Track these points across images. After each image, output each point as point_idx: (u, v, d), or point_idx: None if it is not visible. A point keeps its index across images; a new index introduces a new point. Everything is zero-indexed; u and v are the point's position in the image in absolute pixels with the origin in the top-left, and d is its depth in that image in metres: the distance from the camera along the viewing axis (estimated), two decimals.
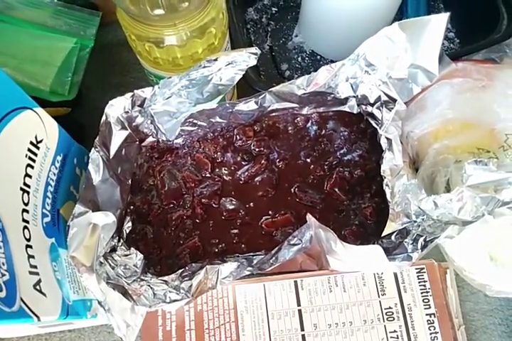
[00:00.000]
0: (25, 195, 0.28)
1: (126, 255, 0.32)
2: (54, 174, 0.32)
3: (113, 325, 0.29)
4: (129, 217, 0.35)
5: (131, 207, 0.37)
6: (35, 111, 0.30)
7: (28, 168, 0.28)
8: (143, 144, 0.37)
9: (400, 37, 0.33)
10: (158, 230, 0.37)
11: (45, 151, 0.31)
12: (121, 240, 0.33)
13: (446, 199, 0.28)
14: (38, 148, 0.30)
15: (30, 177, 0.28)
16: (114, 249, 0.32)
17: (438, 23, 0.32)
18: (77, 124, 0.40)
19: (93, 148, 0.32)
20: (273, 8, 0.51)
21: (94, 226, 0.29)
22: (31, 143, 0.29)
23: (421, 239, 0.30)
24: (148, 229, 0.37)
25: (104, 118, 0.33)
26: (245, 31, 0.48)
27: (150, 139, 0.37)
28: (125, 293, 0.29)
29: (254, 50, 0.33)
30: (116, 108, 0.33)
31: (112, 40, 0.47)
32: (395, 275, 0.34)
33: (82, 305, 0.32)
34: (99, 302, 0.29)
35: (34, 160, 0.29)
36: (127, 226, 0.35)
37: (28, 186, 0.28)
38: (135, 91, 0.33)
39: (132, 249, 0.32)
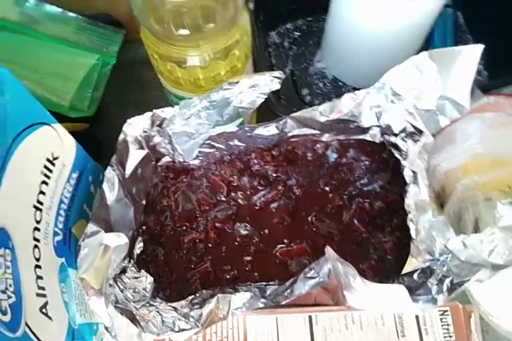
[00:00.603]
0: (38, 212, 0.27)
1: (136, 277, 0.31)
2: (68, 191, 0.31)
3: None
4: (141, 238, 0.34)
5: (144, 227, 0.36)
6: (53, 127, 0.29)
7: (43, 185, 0.28)
8: (159, 164, 0.37)
9: (428, 67, 0.32)
10: (170, 252, 0.36)
11: (61, 168, 0.30)
12: (132, 261, 0.32)
13: (476, 240, 0.27)
14: (53, 164, 0.29)
15: (44, 194, 0.28)
16: (124, 271, 0.31)
17: (470, 54, 0.31)
18: (95, 141, 0.39)
19: (109, 167, 0.31)
20: (295, 33, 0.51)
21: (105, 247, 0.27)
22: (47, 159, 0.28)
23: (447, 281, 0.29)
24: (160, 251, 0.36)
25: (121, 136, 0.32)
26: (267, 54, 0.48)
27: (166, 159, 0.37)
28: (133, 319, 0.28)
29: (278, 74, 0.32)
30: (134, 127, 0.32)
31: (134, 58, 0.47)
32: (417, 316, 0.32)
33: (88, 329, 0.30)
34: (106, 328, 0.27)
35: (49, 177, 0.28)
36: (138, 246, 0.34)
37: (42, 203, 0.27)
38: (154, 111, 0.32)
39: (142, 271, 0.31)
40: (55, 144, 0.29)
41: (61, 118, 0.31)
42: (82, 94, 0.38)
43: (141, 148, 0.33)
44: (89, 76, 0.38)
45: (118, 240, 0.28)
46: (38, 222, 0.26)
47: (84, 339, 0.29)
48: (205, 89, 0.35)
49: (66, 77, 0.38)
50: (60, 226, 0.29)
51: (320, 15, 0.51)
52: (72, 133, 0.32)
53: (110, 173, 0.31)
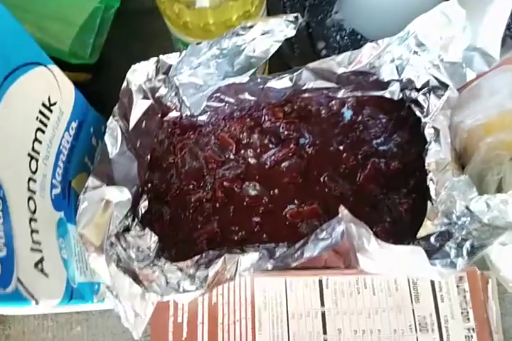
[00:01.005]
0: (34, 162, 0.25)
1: (139, 236, 0.30)
2: (67, 142, 0.29)
3: (120, 313, 0.27)
4: (146, 196, 0.33)
5: (149, 185, 0.34)
6: (49, 69, 0.27)
7: (39, 133, 0.26)
8: (165, 119, 0.35)
9: (458, 14, 0.29)
10: (176, 212, 0.35)
11: (59, 115, 0.28)
12: (136, 219, 0.31)
13: (500, 201, 0.26)
14: (50, 111, 0.27)
15: (40, 142, 0.26)
16: (127, 229, 0.30)
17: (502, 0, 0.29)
18: (98, 93, 0.37)
19: (111, 117, 0.29)
20: None
21: (107, 202, 0.26)
22: (43, 104, 0.26)
23: (467, 244, 0.27)
24: (165, 210, 0.35)
25: (125, 84, 0.30)
26: (281, 4, 0.45)
27: (173, 114, 0.35)
28: (136, 279, 0.27)
29: (294, 17, 0.29)
30: (139, 74, 0.30)
31: (141, 6, 0.44)
32: (432, 281, 0.31)
33: (88, 288, 0.29)
34: (107, 287, 0.26)
35: (46, 124, 0.26)
36: (143, 205, 0.32)
37: (37, 152, 0.25)
38: (160, 56, 0.30)
39: (147, 229, 0.30)
40: (52, 88, 0.27)
41: (61, 67, 0.28)
42: (83, 39, 0.35)
43: (146, 98, 0.31)
44: (91, 20, 0.36)
45: (120, 195, 0.26)
46: (33, 173, 0.25)
47: (83, 298, 0.28)
48: (216, 35, 0.32)
49: (66, 20, 0.35)
50: (59, 178, 0.27)
51: None
52: (74, 84, 0.30)
53: (113, 124, 0.29)
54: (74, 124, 0.30)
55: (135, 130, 0.30)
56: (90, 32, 0.35)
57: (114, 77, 0.32)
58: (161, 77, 0.31)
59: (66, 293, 0.26)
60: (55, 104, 0.27)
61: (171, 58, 0.30)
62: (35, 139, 0.25)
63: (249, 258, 0.28)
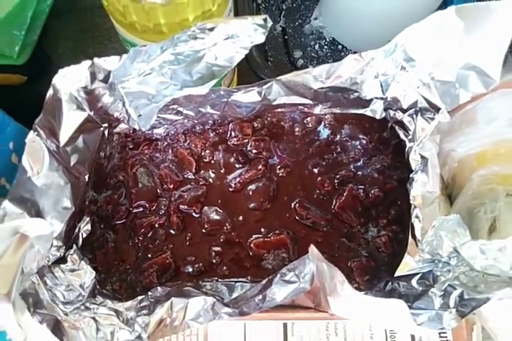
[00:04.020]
0: None
1: (73, 270, 0.26)
2: None
3: None
4: (88, 218, 0.30)
5: (93, 206, 0.31)
6: None
7: None
8: (115, 130, 0.32)
9: (455, 26, 0.26)
10: (123, 238, 0.32)
11: None
12: (75, 247, 0.28)
13: (498, 248, 0.23)
14: None
15: None
16: (61, 260, 0.26)
17: (509, 13, 0.26)
18: (38, 100, 0.33)
19: (32, 133, 0.25)
20: None
21: (22, 236, 0.21)
22: None
23: (455, 293, 0.24)
24: (110, 236, 0.32)
25: (50, 93, 0.26)
26: (255, 6, 0.42)
27: (123, 125, 0.31)
28: (57, 328, 0.23)
29: (263, 20, 0.25)
30: (69, 81, 0.26)
31: (93, 2, 0.40)
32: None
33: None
34: None
35: None
36: (85, 229, 0.29)
37: None
38: (95, 59, 0.26)
39: (83, 263, 0.27)
40: None
41: None
42: (8, 35, 0.30)
43: (81, 109, 0.27)
44: (20, 12, 0.31)
45: (39, 228, 0.22)
46: None
47: None
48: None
49: None
50: None
51: None
52: (4, 88, 0.25)
53: (34, 141, 0.25)
54: None
55: (68, 147, 0.27)
56: (19, 27, 0.30)
57: None
58: (99, 84, 0.27)
59: None
60: None
61: (108, 62, 0.26)
62: None
63: (200, 304, 0.25)
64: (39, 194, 0.25)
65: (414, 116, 0.29)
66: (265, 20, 0.25)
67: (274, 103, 0.31)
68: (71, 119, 0.27)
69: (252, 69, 0.36)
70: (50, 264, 0.25)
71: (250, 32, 0.25)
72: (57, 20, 0.37)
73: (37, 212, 0.24)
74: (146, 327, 0.24)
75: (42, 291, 0.24)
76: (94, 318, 0.24)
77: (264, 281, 0.26)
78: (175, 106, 0.30)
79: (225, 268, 0.31)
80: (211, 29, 0.25)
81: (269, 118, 0.34)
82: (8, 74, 0.29)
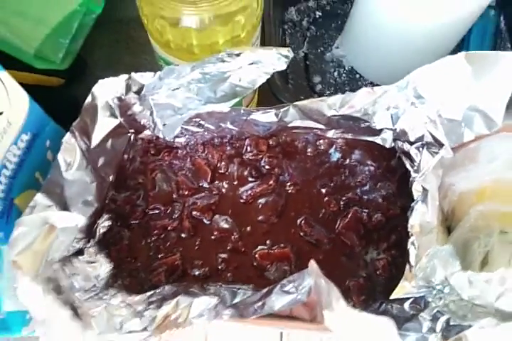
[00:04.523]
0: None
1: (90, 262, 0.27)
2: (14, 156, 0.26)
3: None
4: (108, 216, 0.31)
5: (112, 204, 0.32)
6: None
7: None
8: (140, 136, 0.33)
9: (463, 70, 0.28)
10: (137, 237, 0.33)
11: (5, 127, 0.25)
12: (92, 241, 0.29)
13: (485, 280, 0.24)
14: None
15: None
16: (79, 253, 0.27)
17: None
18: (72, 101, 0.35)
19: (69, 133, 0.26)
20: (317, 12, 0.47)
21: (50, 227, 0.23)
22: None
23: (442, 319, 0.25)
24: (126, 234, 0.33)
25: (89, 99, 0.28)
26: (281, 32, 0.44)
27: (148, 132, 0.33)
28: (73, 313, 0.24)
29: (287, 51, 0.28)
30: (107, 90, 0.28)
31: (131, 15, 0.41)
32: None
33: (18, 319, 0.26)
34: (38, 321, 0.23)
35: None
36: (103, 225, 0.30)
37: None
38: (132, 74, 0.28)
39: (99, 256, 0.28)
40: None
41: (31, 68, 0.26)
42: (55, 42, 0.32)
43: (114, 116, 0.29)
44: (68, 23, 0.33)
45: (66, 220, 0.24)
46: None
47: (9, 330, 0.25)
48: (199, 58, 0.30)
49: (38, 19, 0.32)
50: None
51: None
52: (43, 89, 0.27)
53: (70, 141, 0.26)
54: (25, 137, 0.27)
55: (98, 149, 0.28)
56: (65, 36, 0.33)
57: (92, 84, 0.30)
58: (132, 95, 0.29)
59: None
60: (0, 113, 0.25)
61: (143, 77, 0.28)
62: None
63: (204, 304, 0.26)
64: (68, 189, 0.26)
65: (421, 149, 0.30)
66: (289, 51, 0.27)
67: (290, 125, 0.32)
68: (104, 124, 0.28)
69: (272, 91, 0.37)
70: (69, 255, 0.26)
71: (274, 60, 0.27)
72: (95, 30, 0.39)
73: (64, 206, 0.25)
74: (152, 320, 0.25)
75: (61, 279, 0.25)
76: (106, 308, 0.25)
77: (264, 290, 0.26)
78: (197, 120, 0.32)
79: (229, 274, 0.32)
80: (238, 54, 0.27)
81: (283, 137, 0.34)
82: (49, 77, 0.31)
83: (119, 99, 0.28)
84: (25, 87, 0.28)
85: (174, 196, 0.34)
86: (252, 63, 0.28)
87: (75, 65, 0.35)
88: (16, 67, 0.28)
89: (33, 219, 0.23)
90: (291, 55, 0.27)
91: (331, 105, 0.30)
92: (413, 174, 0.30)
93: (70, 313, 0.24)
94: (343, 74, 0.44)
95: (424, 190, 0.28)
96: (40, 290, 0.22)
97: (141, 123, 0.31)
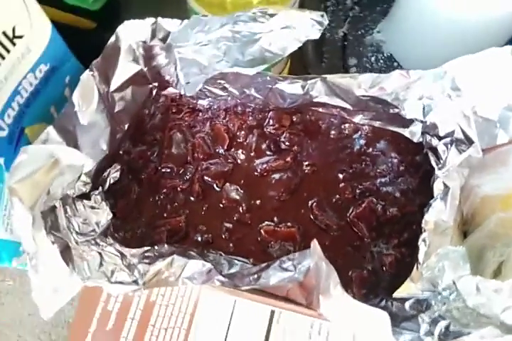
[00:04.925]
0: None
1: (93, 207, 0.27)
2: (30, 84, 0.25)
3: (33, 285, 0.23)
4: (119, 167, 0.30)
5: (126, 156, 0.32)
6: None
7: None
8: (163, 92, 0.32)
9: (507, 65, 0.26)
10: (146, 193, 0.32)
11: (24, 52, 0.24)
12: (100, 189, 0.28)
13: (494, 288, 0.23)
14: (13, 43, 0.23)
15: None
16: (84, 197, 0.27)
17: None
18: (102, 45, 0.34)
19: (87, 71, 0.26)
20: None
21: (55, 161, 0.22)
22: (4, 33, 0.23)
23: (442, 323, 0.24)
24: (135, 188, 0.32)
25: (113, 39, 0.27)
26: (322, 7, 0.42)
27: (173, 90, 0.32)
28: (66, 252, 0.24)
29: (320, 17, 0.26)
30: (131, 32, 0.27)
31: None
32: None
33: (9, 248, 0.26)
34: (27, 253, 0.23)
35: (3, 57, 0.23)
36: (114, 175, 0.30)
37: None
38: (158, 19, 0.27)
39: (103, 203, 0.27)
40: (20, 19, 0.24)
41: (64, 7, 0.25)
42: None
43: (136, 61, 0.28)
44: None
45: (73, 158, 0.23)
46: None
47: None
48: None
49: None
50: (8, 121, 0.24)
51: None
52: (73, 30, 0.26)
53: (88, 79, 0.26)
54: (44, 67, 0.26)
55: (116, 93, 0.27)
56: None
57: None
58: (158, 43, 0.28)
59: None
60: (20, 37, 0.24)
61: (169, 24, 0.27)
62: None
63: (198, 267, 0.25)
64: (80, 129, 0.25)
65: (449, 145, 0.28)
66: (322, 16, 0.26)
67: (315, 100, 0.31)
68: (125, 69, 0.27)
69: (304, 66, 0.36)
70: (74, 196, 0.25)
71: (307, 26, 0.26)
72: None
73: (75, 146, 0.25)
74: (144, 274, 0.25)
75: (61, 217, 0.24)
76: (100, 254, 0.25)
77: (263, 265, 0.26)
78: (222, 82, 0.31)
79: (231, 245, 0.31)
80: (271, 15, 0.26)
81: (308, 116, 0.34)
82: (82, 18, 0.31)
83: (144, 44, 0.28)
84: (56, 25, 0.27)
85: (188, 158, 0.33)
86: (285, 27, 0.26)
87: (108, 9, 0.34)
88: (47, 3, 0.27)
89: (39, 149, 0.22)
90: (325, 21, 0.26)
91: (361, 83, 0.29)
92: (437, 172, 0.28)
93: (56, 250, 0.23)
94: (381, 61, 0.42)
95: (446, 187, 0.27)
96: (34, 221, 0.22)
97: (165, 78, 0.30)
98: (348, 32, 0.43)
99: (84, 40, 0.29)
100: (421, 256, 0.25)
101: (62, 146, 0.23)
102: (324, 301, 0.24)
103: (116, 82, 0.27)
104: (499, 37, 0.37)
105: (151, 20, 0.27)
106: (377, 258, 0.31)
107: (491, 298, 0.23)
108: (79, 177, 0.25)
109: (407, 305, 0.26)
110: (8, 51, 0.23)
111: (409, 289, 0.26)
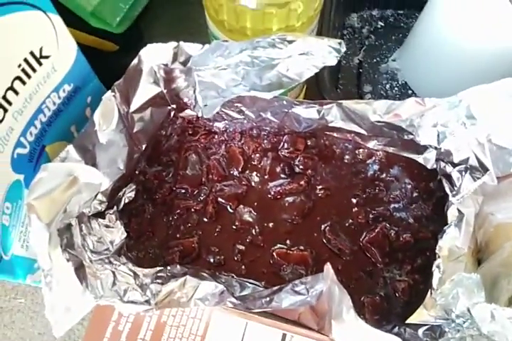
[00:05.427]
0: (0, 110, 0.22)
1: (108, 226, 0.27)
2: (54, 103, 0.26)
3: (46, 302, 0.23)
4: (135, 187, 0.31)
5: (141, 177, 0.32)
6: (49, 18, 0.24)
7: (17, 82, 0.23)
8: (181, 114, 0.33)
9: None
10: (159, 213, 0.33)
11: (50, 72, 0.25)
12: (115, 208, 0.28)
13: (508, 316, 0.22)
14: (40, 63, 0.24)
15: (16, 93, 0.23)
16: (99, 215, 0.27)
17: None
18: (123, 68, 0.35)
19: (110, 92, 0.26)
20: (379, 22, 0.46)
21: (74, 179, 0.23)
22: (32, 53, 0.23)
23: None
24: (149, 208, 0.32)
25: (135, 62, 0.28)
26: (339, 35, 0.43)
27: (190, 112, 0.32)
28: (80, 270, 0.24)
29: (338, 44, 0.26)
30: (153, 55, 0.28)
31: None
32: None
33: (24, 265, 0.26)
34: (42, 270, 0.23)
35: (29, 76, 0.24)
36: (129, 195, 0.30)
37: (9, 103, 0.23)
38: (180, 42, 0.28)
39: (118, 223, 0.27)
40: (48, 39, 0.24)
41: (89, 30, 0.26)
42: (114, 6, 0.33)
43: (156, 84, 0.28)
44: None
45: (91, 177, 0.23)
46: None
47: (13, 274, 0.25)
48: None
49: None
50: (30, 138, 0.24)
51: (414, 12, 0.46)
52: (97, 52, 0.27)
53: (109, 99, 0.26)
54: (67, 87, 0.27)
55: (136, 114, 0.28)
56: (125, 1, 0.33)
57: None
58: (179, 66, 0.28)
59: None
60: (47, 57, 0.25)
61: (191, 48, 0.28)
62: (11, 88, 0.22)
63: (211, 288, 0.25)
64: (99, 148, 0.26)
65: (463, 172, 0.28)
66: (340, 44, 0.26)
67: (330, 124, 0.31)
68: (145, 90, 0.28)
69: (320, 92, 0.36)
70: (89, 215, 0.26)
71: (324, 53, 0.26)
72: (158, 6, 0.40)
73: (93, 164, 0.25)
74: (156, 294, 0.25)
75: (76, 235, 0.24)
76: (113, 273, 0.25)
77: (275, 287, 0.26)
78: (239, 105, 0.31)
79: (243, 267, 0.31)
80: (290, 41, 0.26)
81: (323, 140, 0.34)
82: (105, 41, 0.32)
83: (165, 67, 0.28)
84: (80, 47, 0.28)
85: (203, 179, 0.33)
86: (302, 54, 0.27)
87: (131, 34, 0.35)
88: (73, 26, 0.28)
89: (58, 167, 0.23)
90: (343, 48, 0.26)
91: (376, 110, 0.29)
92: (451, 198, 0.28)
93: (71, 270, 0.24)
94: (395, 88, 0.43)
95: (460, 213, 0.27)
96: (50, 238, 0.22)
97: (184, 100, 0.31)
98: (363, 60, 0.44)
99: (106, 61, 0.30)
100: (435, 283, 0.25)
101: (81, 164, 0.24)
102: (336, 326, 0.24)
103: (136, 103, 0.28)
104: None
105: (174, 44, 0.28)
106: (390, 284, 0.30)
107: (505, 325, 0.22)
108: (96, 195, 0.25)
109: (420, 332, 0.26)
110: (34, 70, 0.24)
111: (422, 316, 0.25)
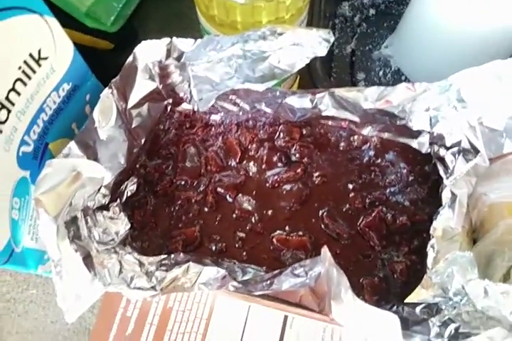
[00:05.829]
0: (4, 111, 0.23)
1: (112, 218, 0.28)
2: (54, 102, 0.27)
3: (58, 291, 0.24)
4: (136, 180, 0.31)
5: (142, 170, 0.33)
6: (45, 21, 0.25)
7: (18, 83, 0.24)
8: (177, 109, 0.34)
9: (511, 77, 0.27)
10: (161, 204, 0.33)
11: (49, 72, 0.26)
12: (118, 201, 0.29)
13: (501, 291, 0.23)
14: (39, 64, 0.25)
15: (18, 94, 0.24)
16: (103, 208, 0.28)
17: None
18: (119, 66, 0.36)
19: (107, 89, 0.27)
20: (371, 10, 0.47)
21: (77, 174, 0.24)
22: (31, 55, 0.24)
23: (452, 326, 0.24)
24: (151, 200, 0.33)
25: (130, 59, 0.28)
26: (330, 24, 0.44)
27: (186, 106, 0.33)
28: (88, 260, 0.25)
29: (327, 34, 0.27)
30: (147, 52, 0.29)
31: None
32: None
33: (35, 256, 0.27)
34: (52, 261, 0.24)
35: (29, 77, 0.24)
36: (130, 188, 0.31)
37: (12, 103, 0.23)
38: (173, 38, 0.29)
39: (122, 214, 0.28)
40: (45, 41, 0.25)
41: (84, 29, 0.27)
42: (108, 5, 0.33)
43: (152, 79, 0.29)
44: None
45: (94, 171, 0.24)
46: (1, 122, 0.23)
47: (25, 265, 0.26)
48: None
49: None
50: (33, 137, 0.25)
51: None
52: (93, 51, 0.28)
53: (107, 96, 0.27)
54: (66, 86, 0.28)
55: (133, 109, 0.28)
56: (118, 0, 0.33)
57: None
58: (173, 62, 0.29)
59: (2, 254, 0.24)
60: (45, 58, 0.25)
61: (183, 43, 0.29)
62: (12, 89, 0.23)
63: (213, 273, 0.26)
64: (100, 144, 0.27)
65: (457, 155, 0.29)
66: (329, 33, 0.27)
67: (324, 113, 0.32)
68: (142, 86, 0.29)
69: (313, 81, 0.37)
70: (94, 208, 0.27)
71: (315, 43, 0.27)
72: (150, 4, 0.40)
73: (94, 159, 0.26)
74: (161, 281, 0.26)
75: (82, 227, 0.25)
76: (120, 262, 0.26)
77: (276, 271, 0.26)
78: (233, 97, 0.32)
79: (244, 253, 0.32)
80: (280, 34, 0.27)
81: (318, 129, 0.34)
82: (100, 40, 0.32)
83: (160, 64, 0.29)
84: (77, 46, 0.29)
85: (202, 170, 0.34)
86: (293, 45, 0.27)
87: (125, 32, 0.36)
88: (69, 26, 0.29)
89: (62, 163, 0.24)
90: (331, 38, 0.27)
91: (368, 97, 0.30)
92: (445, 181, 0.29)
93: (79, 260, 0.25)
94: (389, 75, 0.43)
95: (453, 195, 0.28)
96: (58, 230, 0.23)
97: (180, 95, 0.32)
98: (356, 48, 0.45)
99: (102, 60, 0.31)
100: (429, 262, 0.26)
101: (84, 160, 0.25)
102: (335, 306, 0.25)
103: (133, 99, 0.29)
104: (502, 49, 0.38)
105: (167, 40, 0.28)
106: (388, 266, 0.31)
107: (499, 300, 0.23)
108: (99, 189, 0.26)
109: (417, 309, 0.26)
110: (34, 72, 0.25)
111: (420, 295, 0.26)
